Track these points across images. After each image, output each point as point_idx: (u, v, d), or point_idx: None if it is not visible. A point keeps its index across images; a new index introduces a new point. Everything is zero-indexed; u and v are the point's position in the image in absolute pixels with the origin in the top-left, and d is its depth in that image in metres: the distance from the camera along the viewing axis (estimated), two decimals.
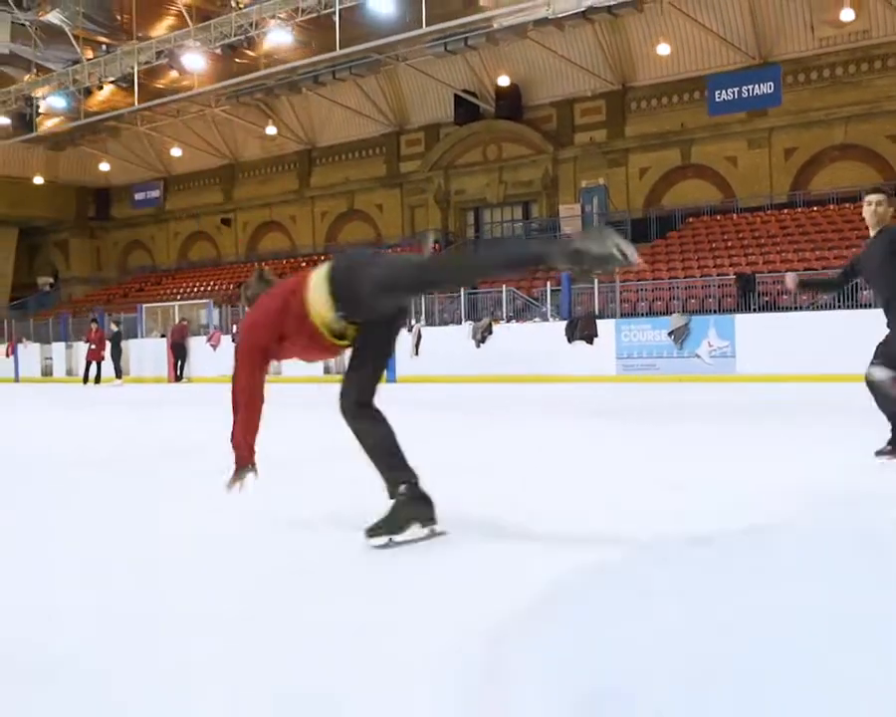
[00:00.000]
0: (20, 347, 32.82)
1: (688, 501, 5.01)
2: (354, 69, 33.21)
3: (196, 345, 28.13)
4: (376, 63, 33.00)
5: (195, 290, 40.58)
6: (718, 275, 24.00)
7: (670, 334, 20.70)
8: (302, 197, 42.92)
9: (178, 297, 38.78)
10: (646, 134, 32.97)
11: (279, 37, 26.72)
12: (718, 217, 29.84)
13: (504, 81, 34.59)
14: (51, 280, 48.56)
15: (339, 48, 25.66)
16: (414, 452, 4.13)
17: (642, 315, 22.75)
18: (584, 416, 11.99)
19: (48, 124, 34.38)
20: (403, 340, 24.10)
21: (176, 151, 41.99)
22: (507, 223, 37.85)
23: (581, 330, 21.71)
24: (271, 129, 40.06)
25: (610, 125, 34.03)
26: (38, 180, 43.99)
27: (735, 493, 5.22)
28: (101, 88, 29.24)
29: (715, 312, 21.85)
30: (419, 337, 23.94)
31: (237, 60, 30.32)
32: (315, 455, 7.69)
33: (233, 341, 27.18)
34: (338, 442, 4.65)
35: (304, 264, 40.01)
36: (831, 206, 27.40)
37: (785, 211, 28.50)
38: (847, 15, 25.87)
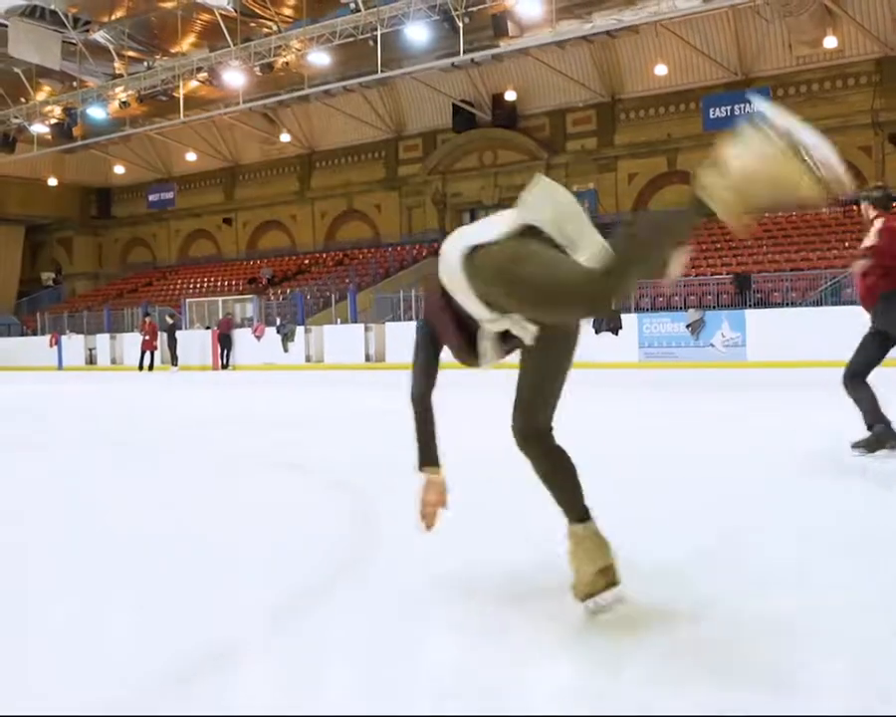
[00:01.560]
0: (63, 338, 35.17)
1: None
2: (364, 83, 35.83)
3: (240, 336, 30.75)
4: (387, 78, 35.65)
5: (198, 286, 42.87)
6: (712, 274, 27.30)
7: (687, 326, 23.84)
8: (302, 198, 45.36)
9: (185, 291, 41.09)
10: (634, 143, 36.08)
11: (318, 59, 29.38)
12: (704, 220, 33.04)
13: (503, 93, 37.57)
14: (53, 275, 50.57)
15: (380, 71, 28.50)
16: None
17: (662, 309, 25.90)
18: (621, 389, 15.07)
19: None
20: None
21: (191, 156, 44.20)
22: None
23: (608, 322, 24.76)
24: (285, 137, 42.52)
25: (601, 134, 37.12)
26: (52, 182, 45.99)
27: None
28: (140, 100, 31.56)
29: (714, 307, 25.06)
30: None
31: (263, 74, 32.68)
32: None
33: (278, 332, 29.94)
34: None
35: (306, 261, 42.74)
36: (808, 211, 30.80)
37: (766, 215, 31.88)
38: (830, 42, 29.37)
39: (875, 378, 6.48)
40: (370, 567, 3.61)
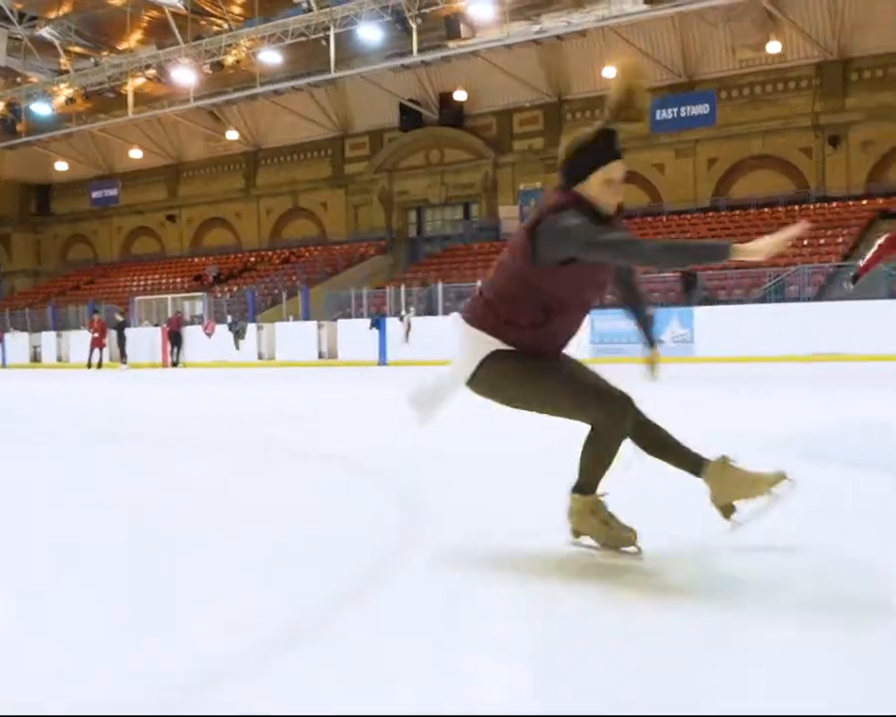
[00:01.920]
0: (7, 336, 34.70)
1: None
2: (313, 82, 35.87)
3: (190, 333, 30.63)
4: (335, 79, 35.67)
5: (142, 283, 42.48)
6: (661, 272, 27.86)
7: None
8: (247, 195, 45.20)
9: (129, 289, 40.70)
10: None
11: (269, 57, 29.42)
12: (648, 219, 33.73)
13: (451, 92, 37.86)
14: None
15: (333, 70, 28.62)
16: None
17: (613, 307, 26.34)
18: None
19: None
20: (395, 327, 27.27)
21: (135, 153, 43.71)
22: (448, 222, 41.07)
23: None
24: (232, 134, 42.32)
25: (547, 134, 37.58)
26: None
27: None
28: (86, 97, 31.30)
29: (664, 304, 25.62)
30: (409, 326, 26.96)
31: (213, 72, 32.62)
32: None
33: (230, 330, 29.86)
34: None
35: (252, 258, 42.63)
36: (751, 210, 31.58)
37: (710, 214, 32.64)
38: (774, 47, 30.16)
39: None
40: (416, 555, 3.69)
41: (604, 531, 3.47)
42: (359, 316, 30.46)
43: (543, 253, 3.31)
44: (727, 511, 3.46)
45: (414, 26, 27.83)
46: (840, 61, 31.51)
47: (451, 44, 31.90)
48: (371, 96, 39.35)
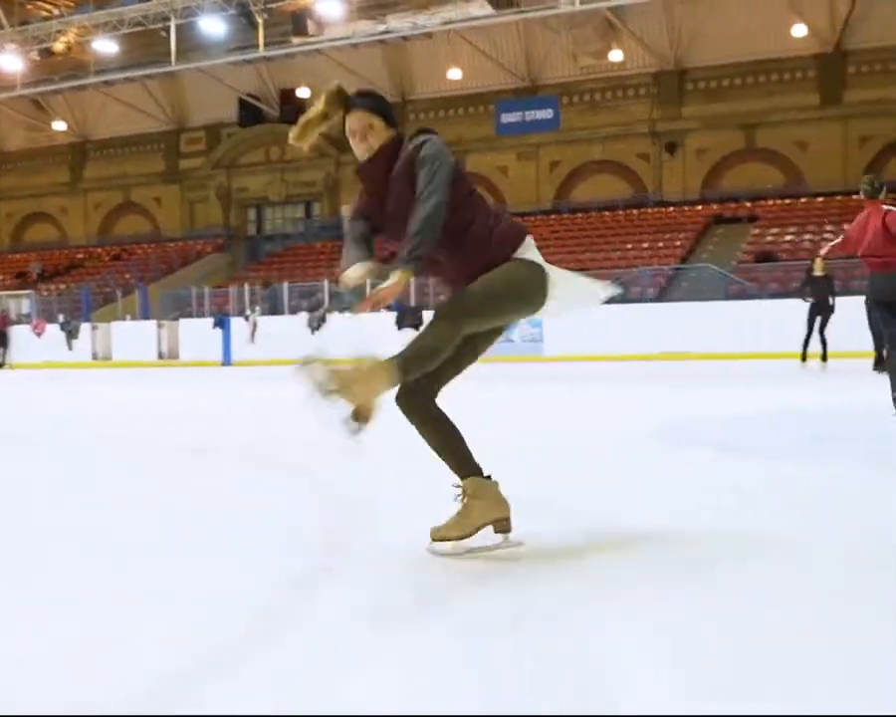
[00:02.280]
0: None
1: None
2: (152, 74, 34.55)
3: (17, 333, 28.88)
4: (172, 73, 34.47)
5: None
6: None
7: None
8: (74, 189, 43.23)
9: None
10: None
11: (103, 46, 28.11)
12: None
13: (292, 88, 37.20)
14: None
15: (174, 63, 27.55)
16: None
17: None
18: None
19: None
20: (241, 327, 26.56)
21: None
22: (289, 220, 40.40)
23: (410, 318, 25.02)
24: (59, 125, 40.33)
25: None
26: None
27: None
28: None
29: None
30: (255, 325, 26.29)
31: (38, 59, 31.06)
32: None
33: (62, 329, 28.25)
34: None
35: (79, 255, 40.77)
36: (592, 213, 32.31)
37: (552, 217, 33.20)
38: (615, 55, 30.92)
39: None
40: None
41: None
42: (200, 315, 29.52)
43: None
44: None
45: (261, 21, 27.12)
46: (677, 71, 32.67)
47: (295, 40, 31.34)
48: (209, 89, 38.27)
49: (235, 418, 9.97)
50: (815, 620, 2.57)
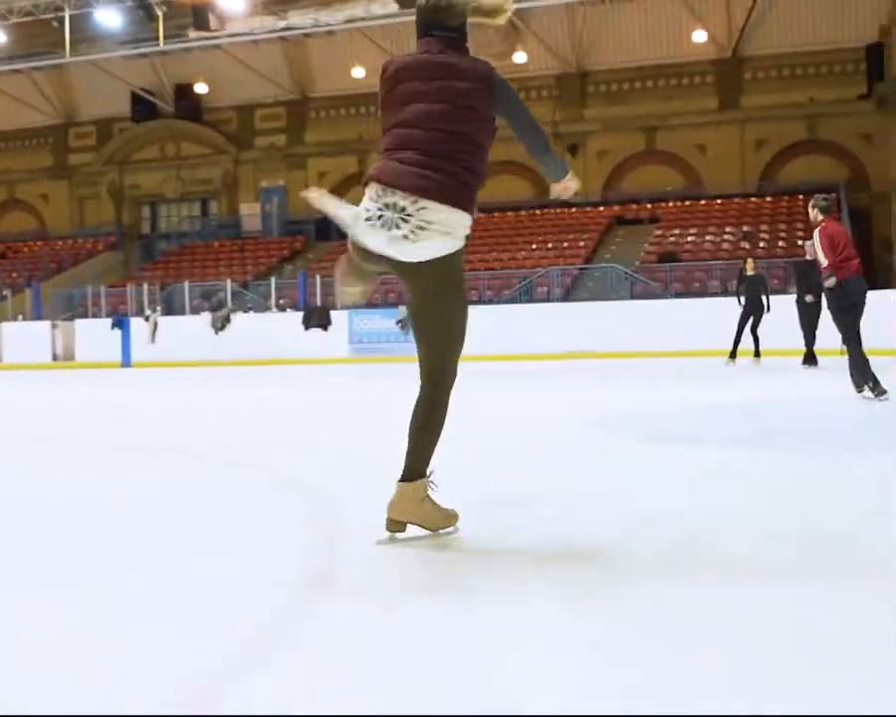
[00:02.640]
0: None
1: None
2: (42, 66, 33.29)
3: None
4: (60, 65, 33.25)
5: None
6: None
7: (398, 322, 24.22)
8: None
9: None
10: (325, 142, 36.24)
11: None
12: None
13: (188, 84, 36.36)
14: None
15: (69, 55, 26.54)
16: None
17: (373, 306, 26.10)
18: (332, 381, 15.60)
19: None
20: (141, 328, 25.78)
21: None
22: (185, 218, 39.46)
23: (317, 318, 24.65)
24: None
25: (291, 131, 36.95)
26: None
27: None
28: None
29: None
30: (156, 325, 25.56)
31: None
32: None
33: None
34: None
35: None
36: (495, 214, 32.30)
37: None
38: (520, 57, 31.03)
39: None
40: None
41: (435, 514, 3.39)
42: (96, 315, 28.57)
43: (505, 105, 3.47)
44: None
45: (160, 14, 26.35)
46: (579, 74, 33.01)
47: (192, 34, 30.60)
48: (100, 82, 37.04)
49: (163, 417, 9.59)
50: (753, 617, 2.54)
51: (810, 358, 13.83)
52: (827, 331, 9.75)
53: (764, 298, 15.06)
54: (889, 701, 1.93)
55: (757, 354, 15.29)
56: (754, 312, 15.10)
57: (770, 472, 4.93)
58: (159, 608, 2.70)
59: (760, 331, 15.23)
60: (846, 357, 8.70)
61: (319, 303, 26.09)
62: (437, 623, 2.55)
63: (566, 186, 3.58)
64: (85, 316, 28.69)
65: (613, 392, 11.16)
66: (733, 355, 15.24)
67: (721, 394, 9.90)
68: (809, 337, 13.74)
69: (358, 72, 33.94)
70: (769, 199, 30.38)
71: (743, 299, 15.20)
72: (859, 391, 8.59)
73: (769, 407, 8.63)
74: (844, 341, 8.65)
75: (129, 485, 5.06)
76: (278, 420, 9.17)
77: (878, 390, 8.32)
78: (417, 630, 2.47)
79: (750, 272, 15.35)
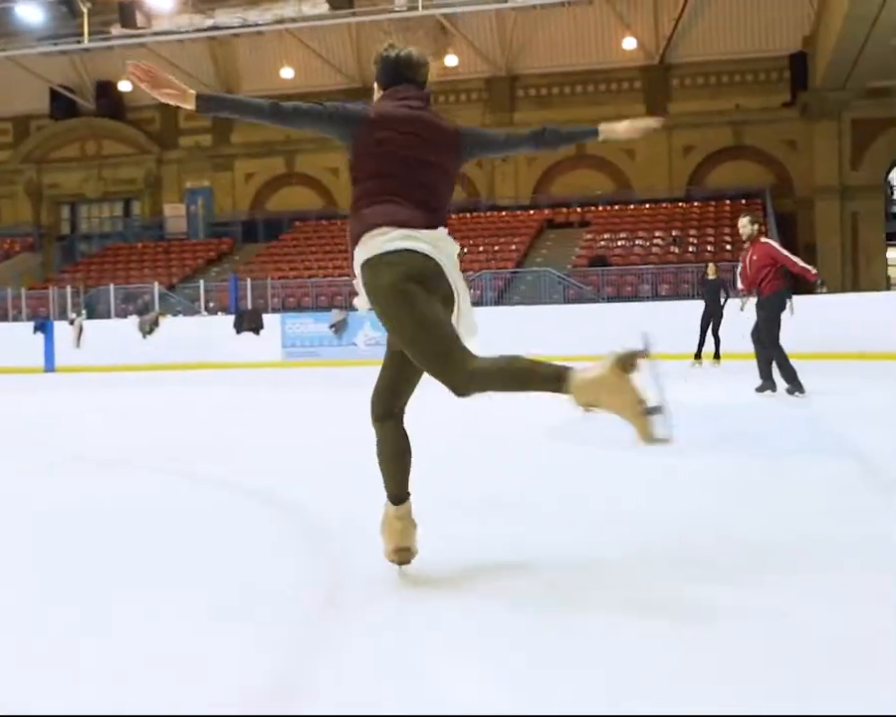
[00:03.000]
0: None
1: None
2: None
3: None
4: None
5: None
6: (339, 275, 27.72)
7: (331, 326, 24.00)
8: None
9: None
10: (252, 142, 35.75)
11: None
12: (323, 222, 33.54)
13: (110, 81, 35.54)
14: None
15: None
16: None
17: (306, 309, 25.81)
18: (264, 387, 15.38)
19: None
20: (65, 332, 25.08)
21: None
22: (106, 219, 38.59)
23: (249, 322, 24.28)
24: None
25: (216, 131, 36.36)
26: None
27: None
28: None
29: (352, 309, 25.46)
30: (81, 329, 24.90)
31: None
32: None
33: None
34: None
35: None
36: None
37: None
38: (451, 60, 30.97)
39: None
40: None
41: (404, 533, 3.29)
42: (16, 318, 27.73)
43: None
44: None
45: (85, 10, 25.68)
46: (508, 77, 33.06)
47: (115, 30, 29.94)
48: (16, 78, 35.94)
49: (97, 424, 9.35)
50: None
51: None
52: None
53: (722, 300, 15.57)
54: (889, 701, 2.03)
55: (717, 355, 15.89)
56: (713, 315, 15.61)
57: (730, 473, 5.11)
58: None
59: (721, 332, 15.77)
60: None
61: (250, 306, 25.72)
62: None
63: (630, 128, 3.39)
64: (5, 319, 27.86)
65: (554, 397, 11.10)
66: (698, 355, 15.86)
67: (681, 397, 9.90)
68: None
69: (287, 72, 33.61)
70: (696, 204, 30.84)
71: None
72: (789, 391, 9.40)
73: (728, 410, 8.75)
74: (773, 346, 9.38)
75: (76, 498, 4.95)
76: (214, 425, 9.13)
77: (799, 389, 9.25)
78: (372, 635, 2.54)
79: (711, 276, 15.94)
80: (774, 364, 9.52)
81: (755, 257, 9.65)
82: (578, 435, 7.01)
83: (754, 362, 9.79)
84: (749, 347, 9.89)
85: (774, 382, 9.64)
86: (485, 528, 3.90)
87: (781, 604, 2.75)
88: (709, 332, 15.77)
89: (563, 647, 2.43)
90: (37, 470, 6.15)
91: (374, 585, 3.10)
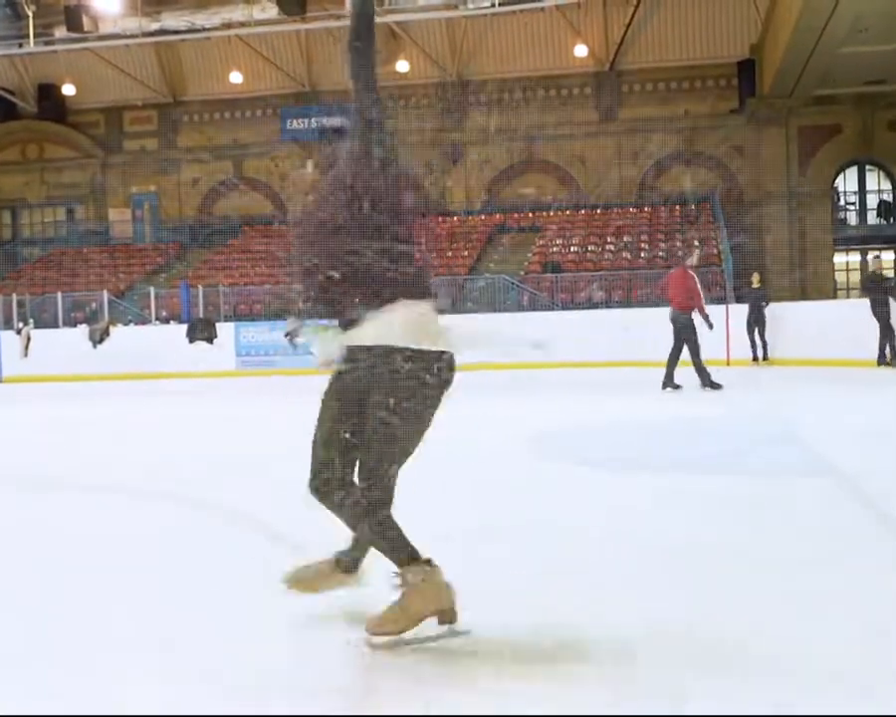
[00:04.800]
0: None
1: None
2: None
3: None
4: None
5: None
6: (292, 283, 27.44)
7: (287, 335, 23.73)
8: None
9: None
10: (199, 147, 35.28)
11: None
12: (274, 227, 33.16)
13: (53, 84, 34.86)
14: None
15: None
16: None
17: (260, 318, 25.52)
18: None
19: None
20: (12, 341, 24.53)
21: None
22: (49, 224, 37.82)
23: (202, 331, 23.93)
24: None
25: (162, 135, 35.84)
26: None
27: None
28: None
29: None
30: (29, 339, 24.38)
31: None
32: None
33: None
34: None
35: None
36: None
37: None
38: (402, 66, 30.84)
39: None
40: None
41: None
42: None
43: None
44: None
45: (30, 13, 25.11)
46: (459, 83, 32.99)
47: (58, 33, 29.40)
48: None
49: (49, 438, 9.22)
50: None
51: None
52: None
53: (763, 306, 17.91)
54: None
55: (765, 357, 17.54)
56: (757, 321, 17.54)
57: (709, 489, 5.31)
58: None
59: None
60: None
61: (202, 314, 25.38)
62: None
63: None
64: None
65: (539, 407, 11.14)
66: (756, 358, 17.52)
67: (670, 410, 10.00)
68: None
69: (235, 77, 33.23)
70: (647, 209, 31.06)
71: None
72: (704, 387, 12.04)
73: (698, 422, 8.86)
74: (697, 356, 12.03)
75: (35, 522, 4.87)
76: (170, 439, 9.10)
77: (714, 386, 11.94)
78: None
79: (755, 285, 17.96)
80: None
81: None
82: (561, 451, 7.06)
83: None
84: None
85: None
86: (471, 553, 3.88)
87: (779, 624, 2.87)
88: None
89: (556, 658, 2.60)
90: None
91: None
